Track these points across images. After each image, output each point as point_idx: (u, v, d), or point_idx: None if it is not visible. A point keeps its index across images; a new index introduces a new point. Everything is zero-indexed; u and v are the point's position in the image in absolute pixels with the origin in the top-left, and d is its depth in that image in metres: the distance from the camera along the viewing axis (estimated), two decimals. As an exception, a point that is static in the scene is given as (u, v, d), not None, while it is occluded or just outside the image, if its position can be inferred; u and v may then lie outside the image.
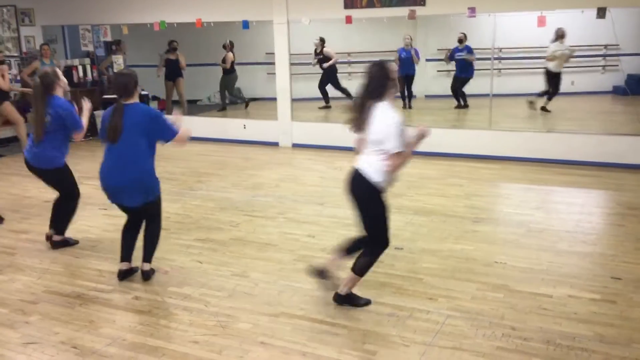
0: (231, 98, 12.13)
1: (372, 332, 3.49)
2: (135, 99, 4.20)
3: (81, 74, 10.46)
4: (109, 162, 4.17)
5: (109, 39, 10.56)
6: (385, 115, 3.46)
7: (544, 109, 9.96)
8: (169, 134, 4.20)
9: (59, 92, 4.73)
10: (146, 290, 4.14)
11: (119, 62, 10.56)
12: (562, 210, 5.73)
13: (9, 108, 8.95)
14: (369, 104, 3.52)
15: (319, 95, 12.32)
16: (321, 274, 3.85)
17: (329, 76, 11.57)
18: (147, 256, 4.30)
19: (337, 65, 11.94)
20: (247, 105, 12.06)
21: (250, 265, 4.53)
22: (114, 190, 4.20)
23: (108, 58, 10.91)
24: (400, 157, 3.48)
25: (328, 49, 11.44)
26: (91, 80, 10.59)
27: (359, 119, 3.57)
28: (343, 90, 11.50)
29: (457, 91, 11.26)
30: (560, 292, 3.95)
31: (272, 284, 4.19)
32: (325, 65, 11.41)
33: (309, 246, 4.91)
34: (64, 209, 5.06)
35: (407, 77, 11.40)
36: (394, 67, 3.61)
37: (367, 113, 3.52)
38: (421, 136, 3.62)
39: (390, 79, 3.53)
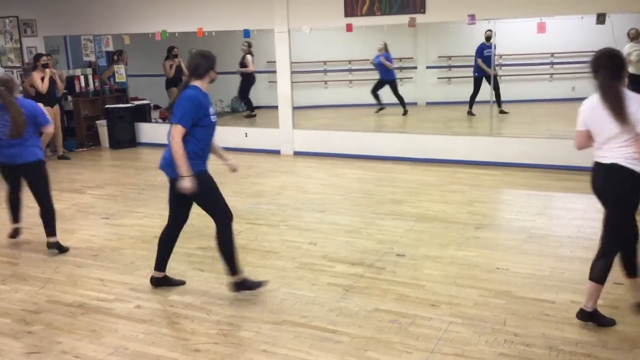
0: None
1: (374, 339, 3.48)
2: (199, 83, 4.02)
3: (83, 83, 10.50)
4: None
5: (110, 48, 10.61)
6: (636, 99, 3.35)
7: None
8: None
9: (17, 94, 5.00)
10: (148, 299, 4.14)
11: (120, 71, 10.62)
12: (564, 216, 5.73)
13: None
14: (619, 91, 3.41)
15: (321, 103, 12.38)
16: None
17: (247, 84, 11.72)
18: None
19: (338, 74, 12.01)
20: None
21: (252, 273, 4.52)
22: None
23: (110, 68, 10.96)
24: None
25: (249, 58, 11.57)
26: (93, 90, 10.64)
27: (618, 107, 3.41)
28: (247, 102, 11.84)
29: (396, 93, 11.56)
30: (563, 297, 3.94)
31: (274, 292, 4.19)
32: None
33: (311, 253, 4.92)
34: (45, 214, 5.16)
35: (381, 83, 11.57)
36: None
37: (622, 100, 3.38)
38: None
39: (623, 63, 3.47)
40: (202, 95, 3.96)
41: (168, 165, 4.01)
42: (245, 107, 12.00)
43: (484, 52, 10.41)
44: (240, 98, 12.02)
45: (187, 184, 3.85)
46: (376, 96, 11.71)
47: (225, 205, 4.15)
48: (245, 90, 11.86)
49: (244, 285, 4.13)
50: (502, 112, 10.72)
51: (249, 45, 11.43)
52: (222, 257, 4.11)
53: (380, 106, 11.74)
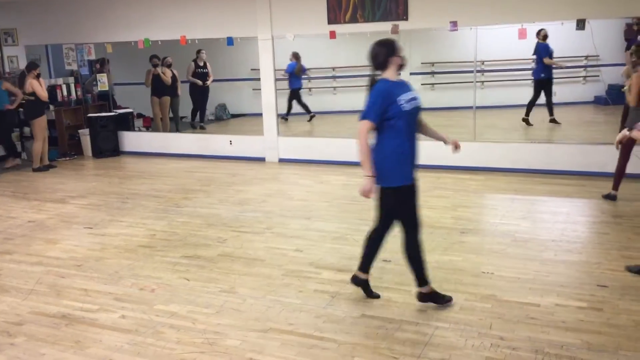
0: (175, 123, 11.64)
1: (361, 345, 3.48)
2: (386, 74, 3.76)
3: (65, 92, 10.42)
4: None
5: (93, 57, 10.55)
6: None
7: None
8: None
9: None
10: (132, 309, 4.10)
11: (102, 80, 10.56)
12: (547, 220, 5.78)
13: (38, 123, 8.96)
14: None
15: (305, 110, 12.38)
16: None
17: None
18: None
19: (322, 80, 12.07)
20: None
21: (238, 281, 4.51)
22: None
23: (93, 76, 10.93)
24: None
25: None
26: (75, 98, 10.55)
27: None
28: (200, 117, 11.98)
29: (292, 102, 11.96)
30: (548, 300, 3.97)
31: (261, 300, 4.17)
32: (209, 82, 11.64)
33: (297, 261, 4.91)
34: None
35: (293, 92, 12.02)
36: None
37: None
38: None
39: None
40: (391, 85, 3.69)
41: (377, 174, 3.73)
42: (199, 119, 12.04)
43: (550, 49, 10.02)
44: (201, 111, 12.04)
45: (366, 184, 3.66)
46: (304, 106, 12.05)
47: (391, 225, 3.90)
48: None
49: (360, 282, 4.09)
50: (553, 120, 10.23)
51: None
52: (362, 251, 4.06)
53: (311, 114, 11.99)
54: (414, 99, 3.74)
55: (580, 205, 6.37)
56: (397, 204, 3.81)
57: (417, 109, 3.78)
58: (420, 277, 3.93)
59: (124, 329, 3.82)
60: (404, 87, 3.77)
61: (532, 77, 10.37)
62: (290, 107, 12.09)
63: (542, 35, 9.93)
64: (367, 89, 3.78)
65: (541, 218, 5.89)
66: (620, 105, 7.40)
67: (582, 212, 6.18)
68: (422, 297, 3.97)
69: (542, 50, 10.02)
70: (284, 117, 11.70)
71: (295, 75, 11.94)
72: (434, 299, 3.96)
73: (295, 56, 11.80)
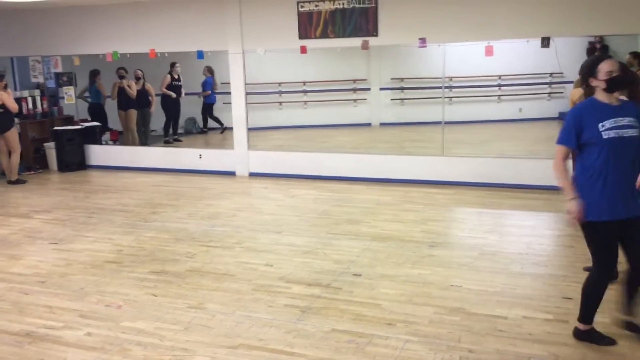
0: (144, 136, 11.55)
1: (332, 360, 3.47)
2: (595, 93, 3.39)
3: (31, 105, 10.23)
4: None
5: (60, 70, 10.40)
6: None
7: None
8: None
9: None
10: (98, 326, 4.02)
11: (69, 93, 10.42)
12: (514, 233, 5.87)
13: (14, 134, 8.87)
14: None
15: (276, 124, 12.44)
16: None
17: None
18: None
19: (293, 95, 12.10)
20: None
21: (207, 297, 4.46)
22: None
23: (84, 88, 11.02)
24: None
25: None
26: (41, 112, 10.36)
27: None
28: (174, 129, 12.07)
29: (211, 116, 12.45)
30: (515, 313, 4.02)
31: (230, 315, 4.13)
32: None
33: (267, 275, 4.88)
34: None
35: (208, 106, 12.43)
36: None
37: None
38: None
39: None
40: (591, 106, 3.31)
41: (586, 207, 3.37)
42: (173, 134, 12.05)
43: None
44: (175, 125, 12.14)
45: (569, 207, 3.34)
46: (215, 119, 12.48)
47: (611, 263, 3.42)
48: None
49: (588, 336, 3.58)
50: None
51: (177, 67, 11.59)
52: (581, 299, 3.59)
53: (223, 127, 12.28)
54: (626, 126, 3.25)
55: (547, 218, 6.49)
56: (596, 240, 3.40)
57: (630, 139, 3.26)
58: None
59: (89, 346, 3.74)
60: (615, 110, 3.30)
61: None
62: (206, 120, 12.58)
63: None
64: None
65: (508, 231, 5.98)
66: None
67: (548, 225, 6.29)
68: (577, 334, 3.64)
69: None
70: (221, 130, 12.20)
71: (212, 91, 12.34)
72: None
73: (210, 70, 11.77)
